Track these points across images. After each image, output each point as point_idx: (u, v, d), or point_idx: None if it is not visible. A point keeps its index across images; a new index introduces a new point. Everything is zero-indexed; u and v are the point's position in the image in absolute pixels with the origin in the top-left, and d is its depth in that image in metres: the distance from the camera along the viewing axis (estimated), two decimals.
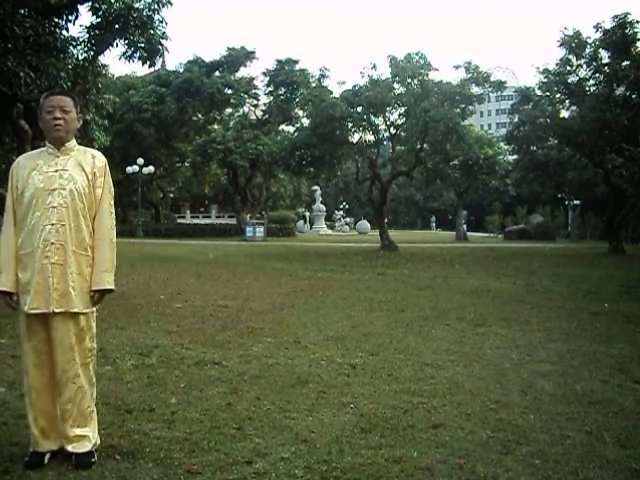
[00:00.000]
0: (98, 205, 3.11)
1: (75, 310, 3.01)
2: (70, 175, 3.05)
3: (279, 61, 33.39)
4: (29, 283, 2.98)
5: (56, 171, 3.04)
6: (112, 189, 3.21)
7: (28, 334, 3.04)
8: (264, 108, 35.98)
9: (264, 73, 33.95)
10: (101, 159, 3.18)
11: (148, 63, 10.69)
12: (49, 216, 2.98)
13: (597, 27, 21.46)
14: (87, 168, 3.10)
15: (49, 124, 3.06)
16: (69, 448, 3.04)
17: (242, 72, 35.23)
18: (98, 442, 3.13)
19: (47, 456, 3.04)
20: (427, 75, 22.32)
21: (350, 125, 23.23)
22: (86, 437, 3.06)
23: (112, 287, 3.12)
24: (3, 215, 3.13)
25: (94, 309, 3.15)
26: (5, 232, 3.08)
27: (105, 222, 3.12)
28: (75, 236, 3.02)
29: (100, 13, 9.95)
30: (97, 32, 10.20)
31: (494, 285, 11.71)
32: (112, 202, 3.20)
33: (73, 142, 3.16)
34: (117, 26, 10.00)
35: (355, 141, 24.16)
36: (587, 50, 22.26)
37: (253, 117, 36.33)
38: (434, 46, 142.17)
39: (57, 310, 2.97)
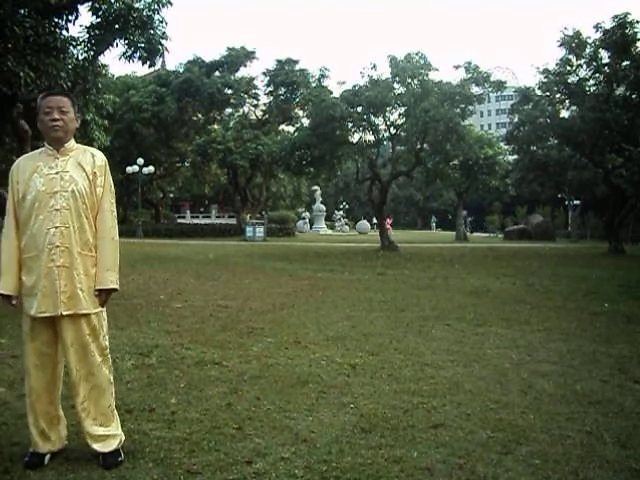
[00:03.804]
0: (99, 204, 3.08)
1: (84, 311, 2.99)
2: (71, 176, 3.02)
3: (279, 61, 33.35)
4: (35, 286, 2.95)
5: (57, 173, 3.01)
6: (112, 188, 3.18)
7: (31, 335, 3.02)
8: (264, 108, 35.96)
9: (264, 73, 33.93)
10: (101, 158, 3.15)
11: (148, 63, 10.70)
12: (52, 219, 2.95)
13: (597, 27, 21.48)
14: (87, 168, 3.07)
15: (47, 125, 3.03)
16: (95, 447, 3.03)
17: (242, 72, 35.29)
18: (123, 438, 3.13)
19: (47, 457, 3.04)
20: (427, 75, 22.34)
21: (350, 125, 23.23)
22: (110, 436, 3.06)
23: (116, 286, 3.08)
24: (4, 217, 3.10)
25: (103, 309, 3.12)
26: (7, 235, 3.05)
27: (107, 221, 3.09)
28: (79, 238, 3.00)
29: (100, 13, 9.96)
30: (97, 32, 10.20)
31: (494, 285, 11.70)
32: (113, 201, 3.16)
33: (72, 142, 3.13)
34: (117, 26, 10.00)
35: (355, 141, 24.15)
36: (587, 50, 22.27)
37: (253, 117, 36.33)
38: (434, 46, 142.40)
39: (65, 313, 2.94)
